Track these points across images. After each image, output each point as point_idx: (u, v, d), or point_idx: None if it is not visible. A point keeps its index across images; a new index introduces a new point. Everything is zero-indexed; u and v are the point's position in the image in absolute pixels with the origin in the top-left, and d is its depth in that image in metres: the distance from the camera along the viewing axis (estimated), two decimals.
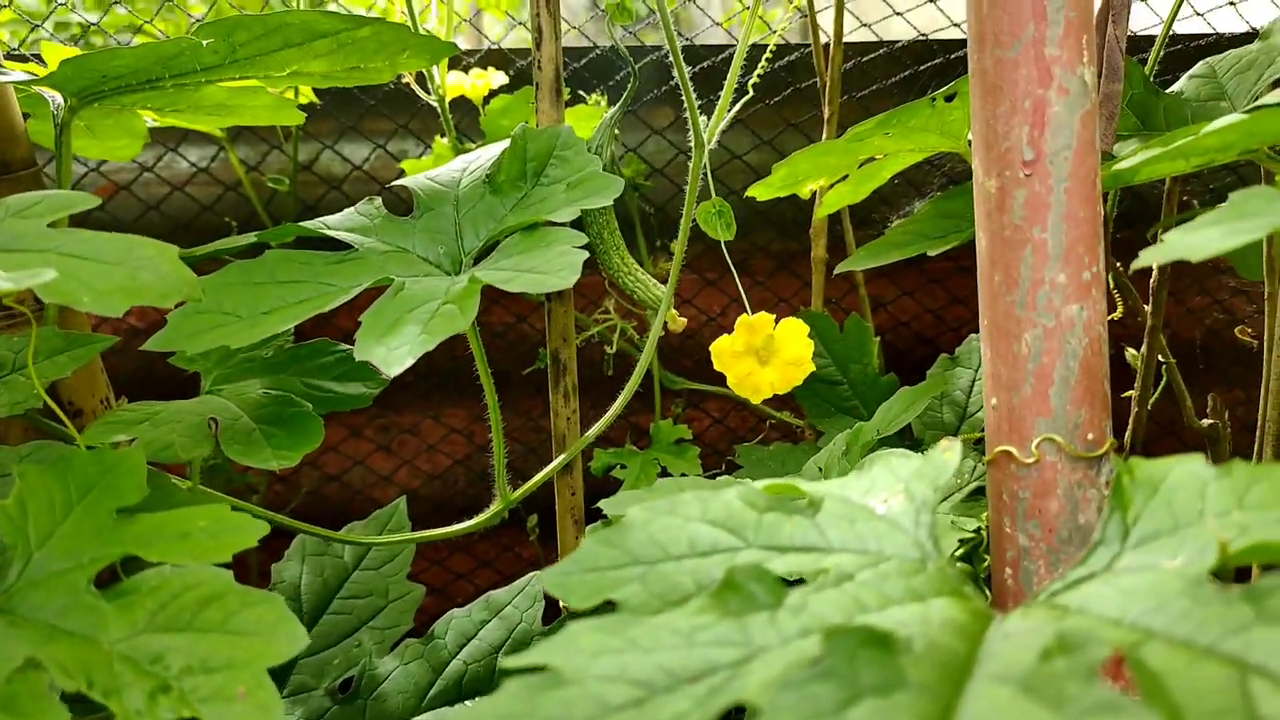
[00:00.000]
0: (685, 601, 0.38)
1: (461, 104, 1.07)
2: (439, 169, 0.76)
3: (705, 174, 0.81)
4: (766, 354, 0.71)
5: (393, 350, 0.55)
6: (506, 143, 0.73)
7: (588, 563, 0.41)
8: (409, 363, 0.54)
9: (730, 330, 0.72)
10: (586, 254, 0.61)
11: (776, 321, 0.72)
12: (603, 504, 0.66)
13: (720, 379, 1.25)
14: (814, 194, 1.03)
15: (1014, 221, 0.49)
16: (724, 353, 0.71)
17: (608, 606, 0.39)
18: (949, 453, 0.43)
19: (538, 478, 0.80)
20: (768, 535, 0.41)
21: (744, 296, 0.77)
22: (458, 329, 0.55)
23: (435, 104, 0.94)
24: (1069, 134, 0.47)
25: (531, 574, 0.87)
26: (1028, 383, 0.49)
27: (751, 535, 0.41)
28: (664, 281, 0.87)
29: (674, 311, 0.96)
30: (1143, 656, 0.30)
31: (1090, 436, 0.47)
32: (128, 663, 0.40)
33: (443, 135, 1.02)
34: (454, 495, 1.29)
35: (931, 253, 0.77)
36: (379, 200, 0.73)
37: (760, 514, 0.42)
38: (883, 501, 0.42)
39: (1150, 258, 0.39)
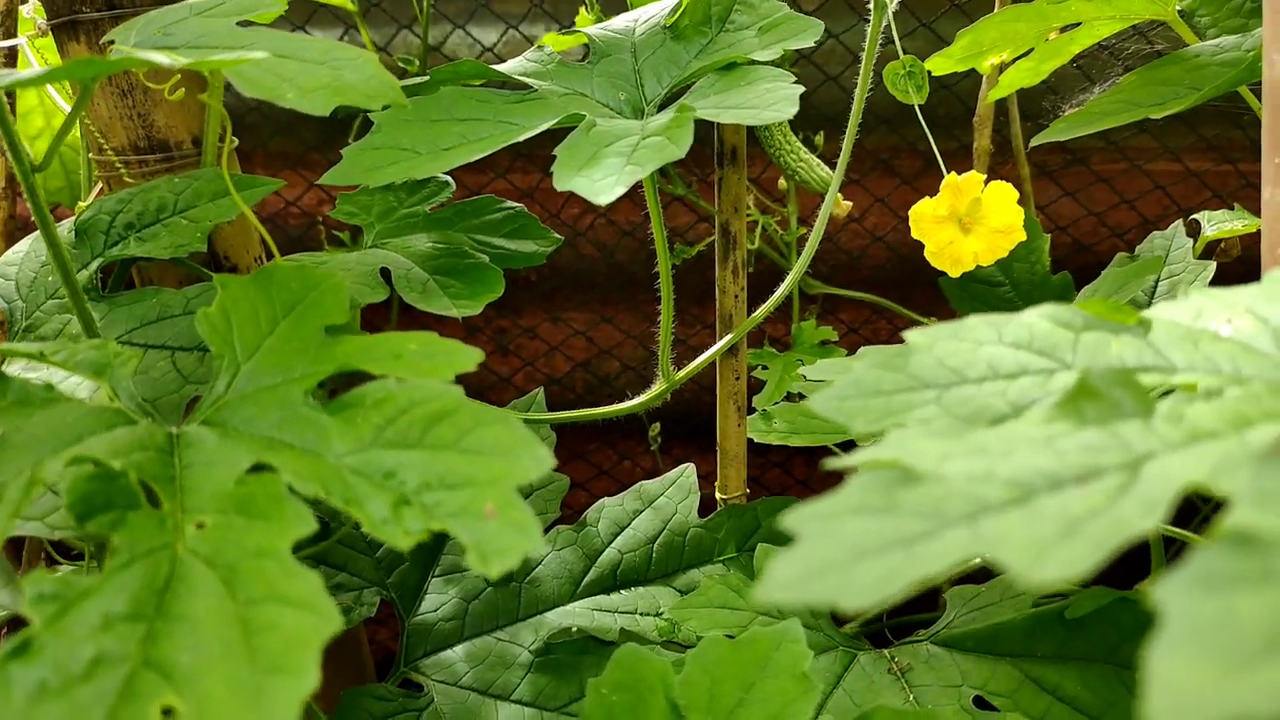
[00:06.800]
0: (1003, 422, 0.33)
1: None
2: (611, 20, 0.71)
3: (890, 32, 0.74)
4: (971, 220, 0.65)
5: (597, 181, 0.50)
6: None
7: (869, 387, 0.36)
8: (619, 192, 0.49)
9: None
10: (801, 88, 0.55)
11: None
12: (806, 370, 0.61)
13: (857, 285, 1.19)
14: (975, 88, 0.95)
15: None
16: (924, 218, 0.64)
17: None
18: None
19: (703, 358, 0.75)
20: (1090, 355, 0.35)
21: (936, 152, 0.70)
22: (670, 158, 0.50)
23: None
24: None
25: (684, 465, 0.82)
26: None
27: (1069, 356, 0.35)
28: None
29: (839, 195, 0.89)
30: None
31: None
32: (360, 476, 0.36)
33: (588, 8, 0.96)
34: (574, 400, 1.25)
35: (1155, 116, 0.70)
36: (549, 47, 0.68)
37: (1077, 334, 0.36)
38: (1225, 323, 0.36)
39: None
